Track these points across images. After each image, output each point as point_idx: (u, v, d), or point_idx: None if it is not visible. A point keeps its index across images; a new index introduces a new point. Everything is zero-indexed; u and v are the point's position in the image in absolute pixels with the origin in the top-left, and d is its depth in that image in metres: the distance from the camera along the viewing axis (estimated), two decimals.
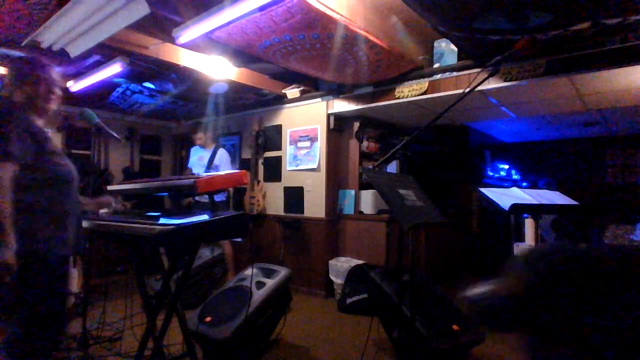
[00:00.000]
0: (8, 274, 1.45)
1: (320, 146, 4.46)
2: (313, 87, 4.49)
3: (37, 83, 1.74)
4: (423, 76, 3.62)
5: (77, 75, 3.91)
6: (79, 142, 5.20)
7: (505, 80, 3.16)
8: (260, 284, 2.80)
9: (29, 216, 1.58)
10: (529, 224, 2.97)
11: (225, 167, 4.27)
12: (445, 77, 3.48)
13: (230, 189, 4.81)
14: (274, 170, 4.90)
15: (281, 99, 4.79)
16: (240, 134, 5.41)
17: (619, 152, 6.11)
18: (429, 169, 5.27)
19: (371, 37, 2.80)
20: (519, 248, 2.93)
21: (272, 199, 4.90)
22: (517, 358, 0.80)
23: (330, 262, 4.25)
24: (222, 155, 4.33)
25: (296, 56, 3.15)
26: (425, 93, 3.61)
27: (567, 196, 2.83)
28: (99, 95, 4.60)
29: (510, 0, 2.23)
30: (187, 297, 3.70)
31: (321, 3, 2.35)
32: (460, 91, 3.34)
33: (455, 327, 2.47)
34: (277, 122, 4.93)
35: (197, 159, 4.39)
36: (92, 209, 2.17)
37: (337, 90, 4.33)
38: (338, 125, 4.54)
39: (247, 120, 5.23)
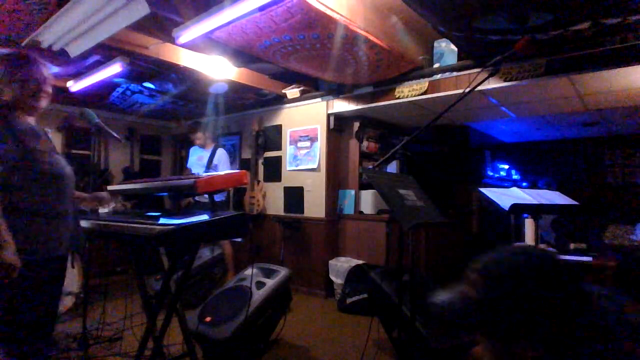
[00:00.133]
0: (11, 274, 1.44)
1: (320, 146, 4.46)
2: (313, 87, 4.49)
3: (26, 80, 1.69)
4: (423, 76, 3.62)
5: (77, 75, 3.91)
6: (79, 142, 5.20)
7: (505, 80, 3.16)
8: (260, 284, 2.80)
9: (16, 217, 1.54)
10: (529, 224, 2.97)
11: (224, 167, 4.27)
12: (445, 77, 3.48)
13: (230, 189, 4.82)
14: (274, 170, 4.90)
15: (281, 99, 4.79)
16: (240, 134, 5.41)
17: (619, 152, 6.11)
18: (429, 169, 5.26)
19: (371, 37, 2.80)
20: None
21: (272, 199, 4.90)
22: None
23: (330, 262, 4.25)
24: (221, 155, 4.33)
25: (296, 56, 3.15)
26: (425, 93, 3.61)
27: (567, 196, 2.83)
28: (99, 95, 4.60)
29: (510, 0, 2.23)
30: (187, 297, 3.70)
31: (321, 3, 2.35)
32: (460, 91, 3.34)
33: None
34: (277, 122, 4.93)
35: (196, 159, 4.39)
36: (89, 205, 2.15)
37: (337, 90, 4.33)
38: (338, 125, 4.54)
39: (247, 120, 5.23)
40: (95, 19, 2.59)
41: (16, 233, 1.48)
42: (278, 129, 4.89)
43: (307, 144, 4.57)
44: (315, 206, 4.48)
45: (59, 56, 3.19)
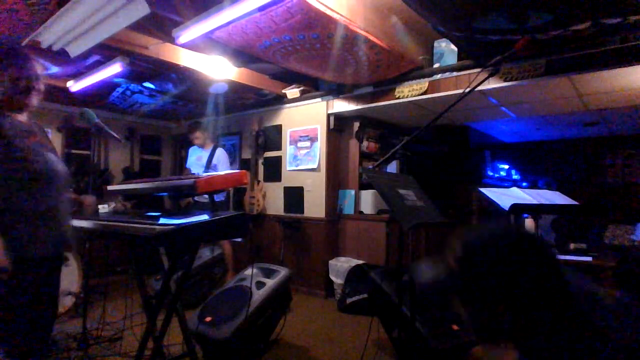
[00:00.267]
0: (1, 276, 1.43)
1: (320, 146, 4.46)
2: (313, 87, 4.49)
3: (17, 77, 1.65)
4: (423, 76, 3.62)
5: (77, 75, 3.91)
6: (79, 142, 5.20)
7: (505, 80, 3.16)
8: (260, 284, 2.80)
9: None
10: (529, 224, 2.97)
11: (223, 166, 4.26)
12: (445, 77, 3.48)
13: (230, 189, 4.81)
14: (274, 170, 4.90)
15: (281, 99, 4.79)
16: (240, 134, 5.41)
17: (619, 152, 6.11)
18: (429, 169, 5.27)
19: (371, 37, 2.80)
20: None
21: (272, 199, 4.90)
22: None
23: (330, 262, 4.25)
24: (221, 155, 4.33)
25: (296, 56, 3.15)
26: (425, 93, 3.61)
27: (567, 196, 2.83)
28: (99, 95, 4.60)
29: (510, 0, 2.23)
30: (187, 297, 3.71)
31: (321, 3, 2.35)
32: (460, 91, 3.34)
33: (455, 327, 2.47)
34: (277, 122, 4.93)
35: (196, 159, 4.38)
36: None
37: (337, 90, 4.33)
38: (338, 125, 4.54)
39: (247, 120, 5.23)
40: (95, 19, 2.59)
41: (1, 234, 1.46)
42: (278, 129, 4.89)
43: (307, 144, 4.57)
44: (315, 206, 4.48)
45: (59, 56, 3.19)
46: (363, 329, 3.12)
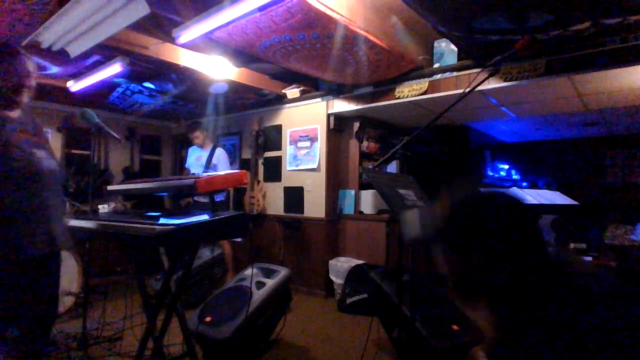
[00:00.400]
0: None
1: (320, 146, 4.46)
2: (313, 87, 4.49)
3: (7, 74, 1.63)
4: (423, 76, 3.62)
5: (77, 75, 3.91)
6: (79, 142, 5.20)
7: (505, 80, 3.16)
8: (260, 284, 2.80)
9: None
10: None
11: (223, 166, 4.26)
12: (445, 77, 3.48)
13: (230, 189, 4.82)
14: (274, 170, 4.90)
15: (281, 99, 4.79)
16: (240, 134, 5.41)
17: (619, 152, 6.11)
18: (429, 169, 5.26)
19: (371, 37, 2.80)
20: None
21: (272, 199, 4.90)
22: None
23: (330, 262, 4.25)
24: (220, 154, 4.32)
25: (296, 56, 3.15)
26: (425, 93, 3.61)
27: (567, 196, 2.83)
28: (99, 95, 4.60)
29: (511, 0, 2.23)
30: (187, 297, 3.71)
31: (321, 3, 2.35)
32: (460, 91, 3.34)
33: (455, 327, 2.47)
34: (277, 122, 4.93)
35: (195, 159, 4.38)
36: None
37: (337, 90, 4.33)
38: (338, 125, 4.54)
39: (247, 120, 5.23)
40: (95, 19, 2.59)
41: None
42: (278, 129, 4.89)
43: (307, 144, 4.57)
44: (315, 206, 4.48)
45: (59, 56, 3.19)
46: (363, 329, 3.12)
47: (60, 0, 2.50)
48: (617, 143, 6.09)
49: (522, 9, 2.31)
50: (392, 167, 4.93)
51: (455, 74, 3.43)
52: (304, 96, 4.60)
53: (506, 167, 7.02)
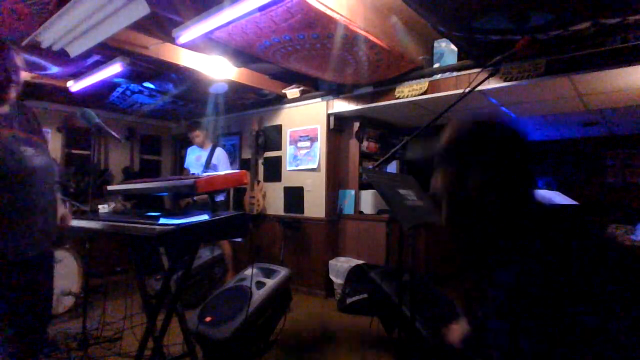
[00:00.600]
0: None
1: (320, 146, 4.46)
2: (313, 87, 4.49)
3: None
4: (423, 76, 3.62)
5: (77, 75, 3.91)
6: (79, 142, 5.21)
7: (505, 80, 3.16)
8: (260, 284, 2.80)
9: None
10: None
11: (223, 166, 4.26)
12: (445, 77, 3.48)
13: (231, 189, 4.81)
14: (274, 170, 4.90)
15: (281, 99, 4.79)
16: (240, 134, 5.41)
17: (619, 152, 6.10)
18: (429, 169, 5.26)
19: (371, 37, 2.80)
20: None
21: (272, 199, 4.90)
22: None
23: (330, 262, 4.25)
24: (220, 154, 4.32)
25: (296, 56, 3.15)
26: (425, 93, 3.61)
27: (567, 196, 2.83)
28: (99, 95, 4.60)
29: (511, 0, 2.23)
30: (187, 297, 3.70)
31: (321, 3, 2.35)
32: (460, 91, 3.34)
33: None
34: (277, 122, 4.93)
35: (195, 159, 4.37)
36: None
37: (337, 90, 4.33)
38: (338, 125, 4.54)
39: (247, 120, 5.23)
40: (95, 19, 2.59)
41: None
42: (278, 129, 4.89)
43: (307, 144, 4.57)
44: (315, 206, 4.48)
45: (59, 56, 3.19)
46: (363, 329, 3.12)
47: (60, 0, 2.50)
48: (617, 143, 6.08)
49: (522, 9, 2.31)
50: (392, 167, 4.94)
51: (455, 74, 3.43)
52: (304, 96, 4.60)
53: None
